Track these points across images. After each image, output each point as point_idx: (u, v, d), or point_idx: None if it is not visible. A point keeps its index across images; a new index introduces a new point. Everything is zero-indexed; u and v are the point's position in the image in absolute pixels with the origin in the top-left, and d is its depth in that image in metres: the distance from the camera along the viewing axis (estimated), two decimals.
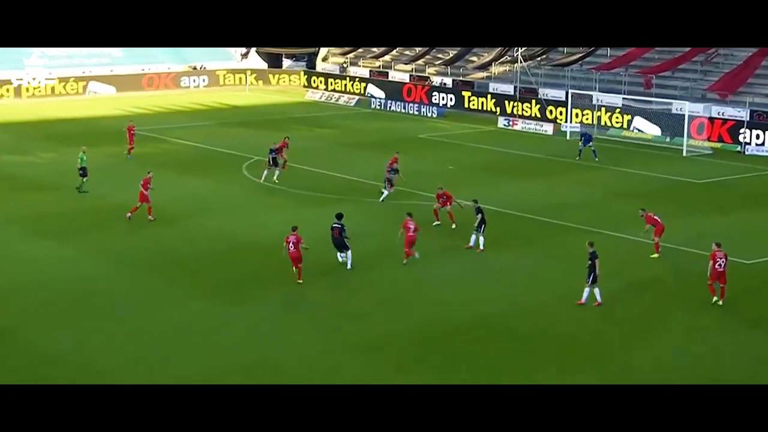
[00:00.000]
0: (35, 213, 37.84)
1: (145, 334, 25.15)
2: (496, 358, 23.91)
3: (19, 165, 47.97)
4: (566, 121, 59.55)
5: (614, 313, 27.12)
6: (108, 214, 37.44)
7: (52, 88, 72.59)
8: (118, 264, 31.29)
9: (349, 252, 30.60)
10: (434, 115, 66.95)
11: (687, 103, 54.95)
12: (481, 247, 32.60)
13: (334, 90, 76.65)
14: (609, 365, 23.64)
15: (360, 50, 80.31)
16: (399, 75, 74.59)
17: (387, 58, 77.92)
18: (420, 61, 75.40)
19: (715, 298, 27.65)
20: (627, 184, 44.75)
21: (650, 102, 57.93)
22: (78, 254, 32.38)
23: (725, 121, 54.75)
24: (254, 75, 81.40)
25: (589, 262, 27.29)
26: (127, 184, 42.45)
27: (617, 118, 58.90)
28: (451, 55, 73.68)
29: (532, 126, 61.00)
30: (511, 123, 62.11)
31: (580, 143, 50.65)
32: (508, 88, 66.65)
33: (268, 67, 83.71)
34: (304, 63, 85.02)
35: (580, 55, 66.62)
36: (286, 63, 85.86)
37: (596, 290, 27.25)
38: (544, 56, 69.19)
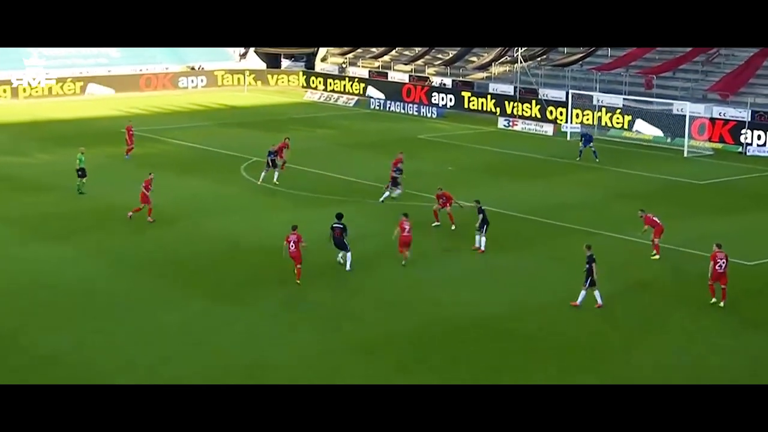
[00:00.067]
0: (33, 214, 37.97)
1: (144, 335, 25.30)
2: (496, 358, 24.07)
3: (17, 166, 48.11)
4: (566, 122, 59.72)
5: (614, 314, 27.27)
6: (106, 215, 37.60)
7: (50, 89, 72.71)
8: (117, 265, 31.43)
9: (349, 254, 30.76)
10: (434, 116, 67.11)
11: (688, 103, 55.10)
12: (482, 248, 32.75)
13: (333, 90, 76.80)
14: (609, 366, 23.79)
15: (359, 50, 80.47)
16: (398, 75, 74.75)
17: (386, 58, 78.08)
18: (419, 62, 75.55)
19: (713, 299, 27.83)
20: (628, 184, 44.91)
21: (651, 102, 58.09)
22: (77, 255, 32.51)
23: (726, 121, 54.93)
24: (253, 75, 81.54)
25: (587, 265, 27.38)
26: (126, 185, 42.65)
27: (618, 118, 59.08)
28: (450, 56, 73.83)
29: (532, 127, 61.16)
30: (511, 123, 62.29)
31: (580, 144, 50.82)
32: (508, 89, 66.82)
33: (267, 67, 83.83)
34: (302, 63, 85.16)
35: (581, 55, 66.77)
36: (285, 63, 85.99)
37: (596, 292, 27.39)
38: (545, 56, 69.35)
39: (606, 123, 59.48)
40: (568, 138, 56.73)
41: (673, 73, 62.25)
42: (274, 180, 42.75)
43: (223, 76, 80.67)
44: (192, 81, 79.34)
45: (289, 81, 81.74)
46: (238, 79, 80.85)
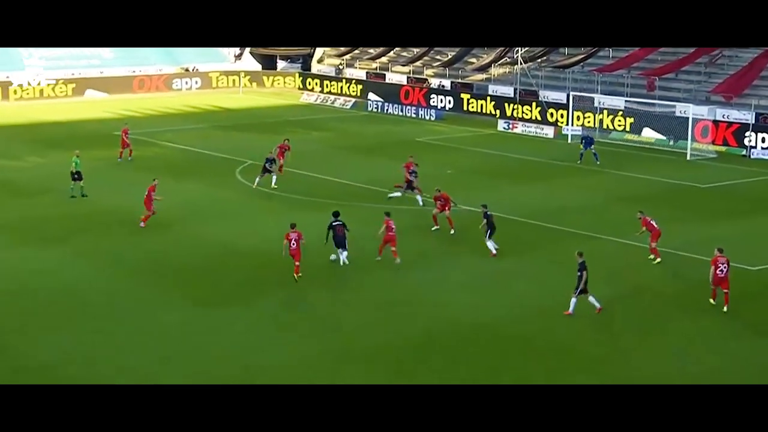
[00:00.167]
0: (26, 217, 38.07)
1: (142, 337, 25.47)
2: (496, 362, 24.20)
3: (8, 169, 48.11)
4: (567, 124, 59.79)
5: (615, 318, 27.38)
6: (100, 219, 37.75)
7: (41, 91, 72.73)
8: (112, 268, 31.59)
9: (346, 252, 31.25)
10: (432, 118, 67.18)
11: (691, 105, 55.22)
12: (493, 251, 32.79)
13: (329, 92, 76.87)
14: (609, 368, 23.88)
15: (356, 52, 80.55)
16: (396, 77, 74.83)
17: (384, 59, 78.15)
18: (418, 63, 75.64)
19: (712, 301, 27.93)
20: (629, 188, 44.97)
21: (653, 104, 58.15)
22: (71, 259, 32.66)
23: (730, 124, 55.00)
24: (248, 77, 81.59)
25: (578, 272, 27.35)
26: (121, 188, 42.80)
27: (619, 121, 59.13)
28: (449, 57, 73.91)
29: (532, 129, 61.22)
30: (511, 126, 62.34)
31: (581, 147, 50.90)
32: (507, 91, 66.89)
33: (262, 68, 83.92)
34: (299, 65, 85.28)
35: (582, 56, 66.86)
36: (281, 65, 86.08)
37: (590, 298, 27.40)
38: (545, 58, 69.45)
39: (607, 125, 59.57)
40: (569, 141, 56.80)
41: (676, 74, 62.33)
42: (272, 185, 42.68)
43: (217, 77, 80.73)
44: (186, 83, 79.40)
45: (285, 83, 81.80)
46: (233, 80, 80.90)
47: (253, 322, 26.81)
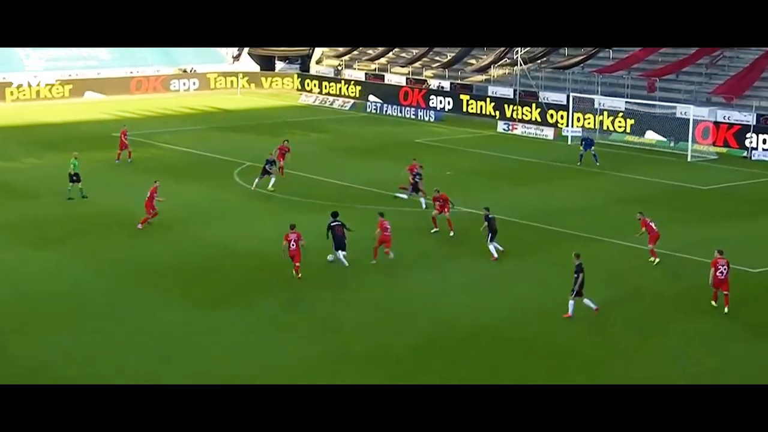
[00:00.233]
0: (23, 219, 38.18)
1: (141, 338, 25.60)
2: (497, 364, 24.33)
3: (5, 171, 48.22)
4: (567, 126, 59.90)
5: (615, 320, 27.52)
6: (98, 221, 37.86)
7: (38, 92, 72.78)
8: (109, 271, 31.69)
9: (344, 252, 31.59)
10: (432, 119, 67.30)
11: (692, 106, 55.35)
12: (495, 255, 32.90)
13: (328, 93, 76.97)
14: (609, 370, 23.99)
15: (355, 52, 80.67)
16: (395, 78, 74.94)
17: (383, 60, 78.28)
18: (417, 64, 75.75)
19: (713, 303, 28.06)
20: (629, 190, 45.08)
21: (654, 106, 58.26)
22: (70, 260, 32.79)
23: (731, 125, 55.13)
24: (246, 78, 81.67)
25: (575, 274, 27.43)
26: (118, 190, 42.93)
27: (620, 122, 59.26)
28: (449, 58, 74.04)
29: (532, 130, 61.34)
30: (510, 127, 62.45)
31: (581, 148, 51.02)
32: (507, 92, 67.01)
33: (261, 69, 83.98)
34: (297, 66, 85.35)
35: (582, 57, 66.99)
36: (279, 66, 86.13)
37: (585, 300, 27.49)
38: (545, 59, 69.58)
39: (608, 127, 59.69)
40: (569, 142, 56.91)
41: (677, 75, 62.46)
42: (269, 186, 42.77)
43: (215, 78, 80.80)
44: (184, 84, 79.48)
45: (283, 84, 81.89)
46: (231, 81, 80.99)
47: (252, 323, 26.99)
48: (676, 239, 34.82)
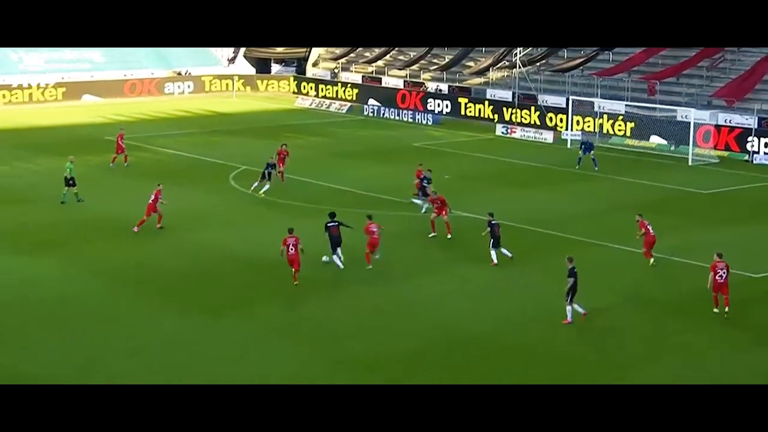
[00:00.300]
0: (16, 224, 38.16)
1: (133, 348, 25.52)
2: (496, 369, 24.34)
3: None
4: (567, 129, 59.93)
5: (615, 326, 27.55)
6: (93, 226, 37.84)
7: (30, 95, 72.74)
8: (104, 277, 31.69)
9: (339, 250, 31.89)
10: (429, 123, 67.32)
11: (692, 110, 55.39)
12: (494, 261, 32.91)
13: (325, 96, 76.99)
14: (610, 377, 23.95)
15: (352, 55, 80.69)
16: (393, 81, 74.97)
17: (380, 63, 78.30)
18: (414, 67, 75.77)
19: (716, 309, 28.05)
20: (629, 194, 45.11)
21: (654, 109, 58.30)
22: (62, 267, 32.72)
23: (732, 128, 55.18)
24: (242, 81, 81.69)
25: (573, 279, 27.37)
26: (113, 194, 42.90)
27: (620, 125, 59.29)
28: (446, 60, 74.08)
29: (531, 134, 61.38)
30: (509, 131, 62.49)
31: (580, 152, 51.03)
32: (506, 95, 67.07)
33: (256, 72, 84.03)
34: (293, 68, 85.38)
35: (581, 60, 67.03)
36: (275, 68, 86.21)
37: (575, 305, 27.44)
38: (544, 61, 69.62)
39: (607, 130, 59.72)
40: (569, 146, 56.94)
41: (677, 78, 62.50)
42: (261, 192, 42.62)
43: (210, 81, 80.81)
44: (179, 87, 79.47)
45: (279, 86, 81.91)
46: (227, 84, 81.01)
47: (250, 330, 26.95)
48: (677, 244, 34.85)
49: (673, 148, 55.88)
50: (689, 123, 54.11)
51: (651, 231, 32.84)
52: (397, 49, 78.21)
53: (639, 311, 28.90)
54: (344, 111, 72.72)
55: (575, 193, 45.33)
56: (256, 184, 43.03)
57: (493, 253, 32.96)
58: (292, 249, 30.16)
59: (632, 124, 58.59)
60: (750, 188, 47.41)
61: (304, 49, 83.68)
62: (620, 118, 59.25)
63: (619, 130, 59.34)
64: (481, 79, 71.87)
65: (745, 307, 28.77)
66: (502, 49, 70.76)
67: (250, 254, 34.06)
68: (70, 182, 41.28)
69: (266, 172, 42.85)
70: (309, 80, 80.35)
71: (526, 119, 64.36)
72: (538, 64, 69.46)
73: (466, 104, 68.61)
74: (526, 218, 39.29)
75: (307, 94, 78.75)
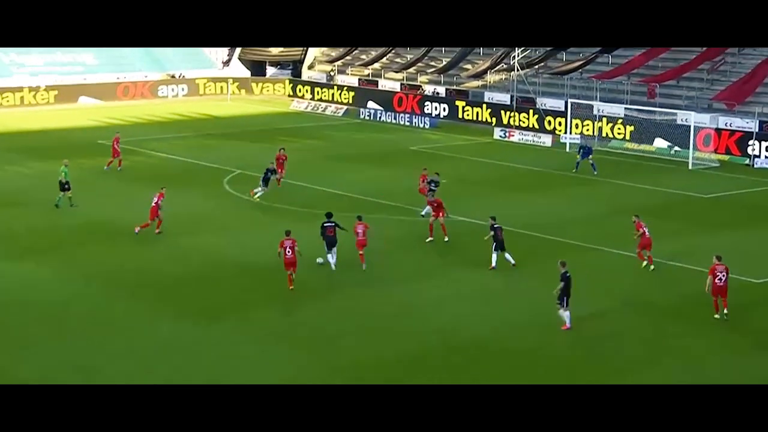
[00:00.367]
0: (8, 229, 38.16)
1: (127, 354, 25.59)
2: (495, 374, 24.40)
3: None
4: (565, 133, 60.04)
5: (614, 332, 27.59)
6: (86, 231, 37.91)
7: (21, 98, 72.75)
8: (97, 282, 31.75)
9: (335, 252, 32.12)
10: (426, 126, 67.39)
11: (693, 113, 55.46)
12: (493, 264, 32.98)
13: (320, 99, 77.07)
14: (608, 381, 23.96)
15: (348, 58, 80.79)
16: (389, 84, 75.06)
17: (377, 66, 78.39)
18: (411, 69, 75.86)
19: (717, 315, 28.12)
20: (629, 198, 45.16)
21: (654, 112, 58.39)
22: (54, 272, 32.79)
23: (733, 132, 55.28)
24: (236, 84, 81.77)
25: (563, 283, 27.38)
26: (106, 198, 42.90)
27: (619, 129, 59.38)
28: (444, 63, 74.17)
29: (529, 137, 61.44)
30: (507, 134, 62.57)
31: (578, 156, 51.11)
32: (504, 98, 67.17)
33: (251, 75, 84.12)
34: (289, 71, 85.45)
35: (580, 62, 67.15)
36: (270, 71, 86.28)
37: (561, 312, 27.47)
38: (542, 64, 69.74)
39: (607, 134, 59.81)
40: (567, 149, 57.03)
41: (677, 81, 62.63)
42: (256, 197, 42.68)
43: (205, 84, 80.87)
44: (172, 90, 79.52)
45: (274, 89, 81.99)
46: (221, 87, 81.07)
47: (245, 335, 27.03)
48: (677, 249, 34.92)
49: (673, 151, 55.87)
50: (689, 126, 54.16)
51: (647, 233, 32.95)
52: (393, 51, 78.33)
53: (638, 316, 29.00)
54: (340, 114, 72.79)
55: (574, 197, 45.42)
56: (257, 190, 42.89)
57: (494, 256, 33.02)
58: (289, 251, 30.28)
59: (632, 128, 58.68)
60: (751, 192, 47.50)
61: (299, 52, 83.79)
62: (619, 121, 59.33)
63: (619, 134, 59.44)
64: (479, 82, 71.99)
65: (745, 312, 28.87)
66: (500, 52, 70.92)
67: (245, 259, 34.13)
68: (66, 186, 41.28)
69: (266, 176, 42.87)
70: (305, 83, 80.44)
71: (524, 123, 64.44)
72: (536, 66, 69.57)
73: (463, 107, 68.70)
74: (524, 223, 39.34)
75: (302, 97, 78.83)
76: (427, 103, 70.67)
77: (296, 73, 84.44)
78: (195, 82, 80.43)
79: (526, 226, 38.84)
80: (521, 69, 67.91)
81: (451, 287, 31.49)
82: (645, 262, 33.01)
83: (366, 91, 75.05)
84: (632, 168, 52.78)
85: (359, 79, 77.34)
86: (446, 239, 35.98)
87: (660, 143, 56.98)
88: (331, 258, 32.24)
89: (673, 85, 62.52)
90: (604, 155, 54.13)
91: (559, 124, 61.95)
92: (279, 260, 30.53)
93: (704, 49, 61.94)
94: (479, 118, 67.44)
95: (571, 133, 59.55)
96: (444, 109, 69.66)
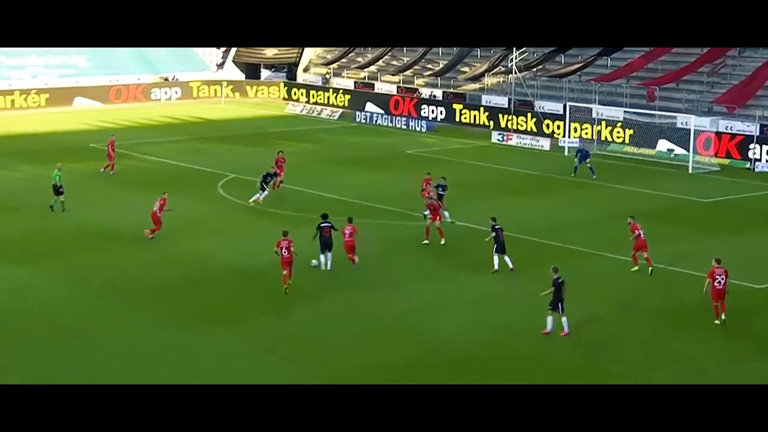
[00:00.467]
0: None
1: (118, 361, 25.64)
2: (493, 379, 24.33)
3: None
4: (564, 136, 60.13)
5: (613, 337, 27.69)
6: (78, 235, 37.96)
7: (12, 101, 72.75)
8: (89, 288, 31.82)
9: (330, 254, 32.52)
10: (423, 130, 67.49)
11: (693, 116, 55.59)
12: (495, 267, 33.13)
13: (316, 103, 77.16)
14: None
15: (344, 60, 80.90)
16: (386, 86, 75.19)
17: (373, 68, 78.50)
18: (408, 72, 75.98)
19: (717, 321, 28.24)
20: (628, 203, 45.23)
21: (654, 115, 58.54)
22: (45, 277, 32.86)
23: (733, 135, 55.43)
24: (230, 86, 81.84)
25: (553, 288, 27.45)
26: (98, 203, 42.92)
27: (618, 132, 59.52)
28: (441, 66, 74.30)
29: (527, 141, 61.57)
30: (505, 138, 62.68)
31: (575, 160, 51.22)
32: (502, 101, 67.29)
33: (246, 78, 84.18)
34: (284, 74, 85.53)
35: (579, 65, 67.28)
36: (265, 74, 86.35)
37: (549, 318, 27.48)
38: (540, 67, 69.88)
39: (606, 137, 59.95)
40: (566, 153, 57.13)
41: (677, 84, 62.77)
42: (251, 201, 42.76)
43: (198, 87, 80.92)
44: (166, 92, 79.58)
45: (269, 92, 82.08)
46: (215, 90, 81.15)
47: (238, 342, 27.07)
48: (676, 254, 35.04)
49: (672, 155, 55.98)
50: (689, 130, 54.29)
51: (642, 235, 33.09)
52: (390, 54, 78.44)
53: (638, 320, 29.09)
54: (336, 117, 72.90)
55: (573, 201, 45.54)
56: (263, 196, 42.86)
57: (495, 258, 33.14)
58: (285, 252, 30.43)
59: (631, 131, 58.84)
60: (751, 197, 47.60)
61: (294, 54, 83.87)
62: (619, 124, 59.48)
63: (618, 137, 59.57)
64: (476, 85, 72.12)
65: (745, 317, 29.01)
66: (498, 54, 71.07)
67: (239, 263, 34.25)
68: (60, 190, 41.35)
69: (266, 182, 42.93)
70: (300, 86, 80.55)
71: (522, 126, 64.57)
72: (534, 69, 69.71)
73: (460, 110, 68.82)
74: (523, 227, 39.42)
75: (297, 100, 78.94)
76: (423, 106, 70.81)
77: (291, 76, 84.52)
78: (188, 84, 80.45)
79: (524, 231, 38.93)
80: (519, 72, 68.05)
81: (449, 291, 31.60)
82: (635, 267, 33.14)
83: (362, 94, 75.17)
84: (631, 171, 52.89)
85: (355, 82, 77.44)
86: (443, 242, 36.12)
87: (661, 146, 57.12)
88: (324, 258, 32.51)
89: (672, 88, 62.64)
90: (602, 159, 54.25)
91: (558, 127, 62.05)
92: (276, 258, 30.69)
93: (704, 51, 62.14)
94: (477, 122, 67.56)
95: (569, 136, 59.64)
96: (441, 113, 69.79)
